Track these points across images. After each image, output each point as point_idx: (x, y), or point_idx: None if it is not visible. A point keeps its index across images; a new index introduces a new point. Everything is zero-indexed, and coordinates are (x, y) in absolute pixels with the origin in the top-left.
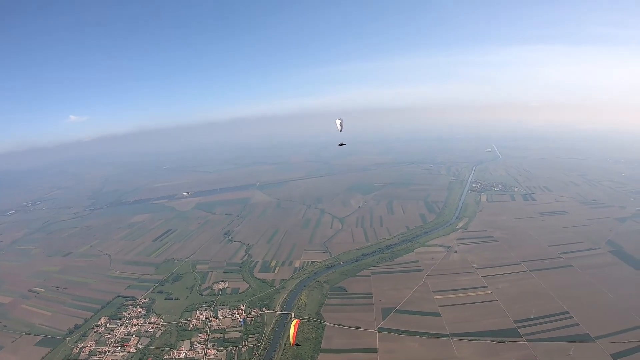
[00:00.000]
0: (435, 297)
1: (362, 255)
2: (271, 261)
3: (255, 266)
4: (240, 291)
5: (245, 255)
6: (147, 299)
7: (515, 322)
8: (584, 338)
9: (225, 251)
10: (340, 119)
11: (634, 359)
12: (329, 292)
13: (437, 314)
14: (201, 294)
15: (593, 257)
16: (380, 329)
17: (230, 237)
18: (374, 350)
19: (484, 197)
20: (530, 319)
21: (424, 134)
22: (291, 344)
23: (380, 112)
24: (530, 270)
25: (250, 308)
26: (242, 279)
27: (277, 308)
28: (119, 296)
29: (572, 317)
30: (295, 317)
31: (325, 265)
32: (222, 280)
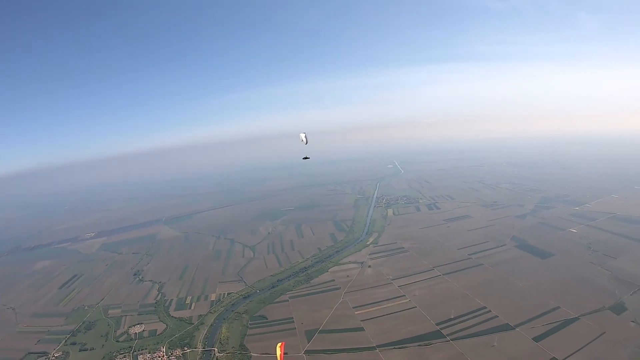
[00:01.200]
0: (356, 312)
1: (278, 280)
2: (186, 298)
3: (170, 305)
4: (158, 333)
5: (158, 294)
6: (60, 353)
7: (437, 324)
8: (505, 328)
9: (137, 292)
10: (304, 133)
11: (554, 339)
12: (249, 322)
13: (361, 329)
14: (117, 341)
15: (500, 254)
16: (307, 352)
17: (140, 277)
18: None
19: (390, 211)
20: (451, 320)
21: (325, 157)
22: None
23: (281, 138)
24: (443, 275)
25: (171, 349)
26: (158, 320)
27: (199, 345)
28: (29, 353)
29: (490, 311)
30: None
31: (241, 295)
32: (138, 324)
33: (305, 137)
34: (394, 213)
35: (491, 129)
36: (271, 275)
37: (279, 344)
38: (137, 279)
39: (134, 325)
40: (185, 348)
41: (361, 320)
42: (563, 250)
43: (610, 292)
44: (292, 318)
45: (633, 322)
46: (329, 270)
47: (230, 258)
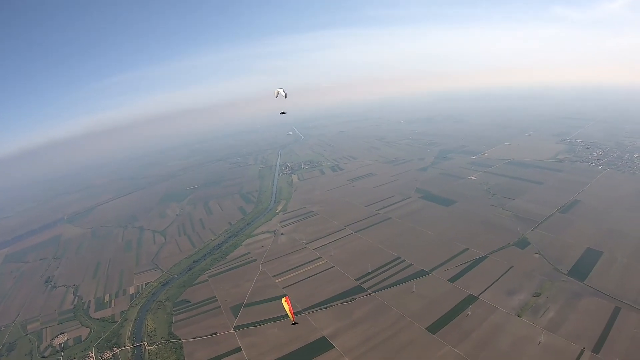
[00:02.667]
0: (276, 281)
1: (194, 262)
2: (104, 296)
3: (89, 307)
4: (83, 338)
5: (74, 298)
6: None
7: (357, 279)
8: (421, 274)
9: (53, 300)
10: (282, 88)
11: (467, 278)
12: (173, 309)
13: (284, 295)
14: (43, 356)
15: (407, 206)
16: (236, 328)
17: (52, 284)
18: (239, 349)
19: (295, 178)
20: (369, 273)
21: (224, 131)
22: (292, 320)
23: (176, 116)
24: (355, 232)
25: (100, 353)
26: (80, 325)
27: (128, 343)
28: None
29: (404, 260)
30: (285, 295)
31: (160, 283)
32: (61, 333)
33: (284, 91)
34: (299, 179)
35: (385, 90)
36: (186, 258)
37: (284, 298)
38: (50, 286)
39: (56, 336)
40: (115, 348)
41: (283, 288)
42: (465, 197)
43: (513, 230)
44: (215, 297)
45: (537, 254)
46: (243, 243)
47: (141, 247)
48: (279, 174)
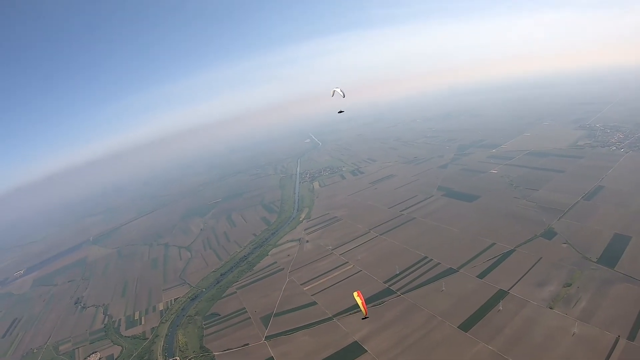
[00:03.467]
0: (304, 289)
1: (221, 275)
2: (134, 314)
3: (119, 325)
4: (115, 357)
5: (105, 317)
6: None
7: (385, 282)
8: (450, 272)
9: (83, 321)
10: (338, 88)
11: (496, 273)
12: (203, 323)
13: (314, 303)
14: None
15: (430, 205)
16: (267, 338)
17: (82, 304)
18: (271, 359)
19: (316, 184)
20: (397, 275)
21: (242, 143)
22: (365, 314)
23: (190, 133)
24: (380, 235)
25: None
26: (112, 344)
27: (160, 359)
28: None
29: (431, 259)
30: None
31: (189, 298)
32: (93, 353)
33: (341, 90)
34: (320, 185)
35: (395, 90)
36: (213, 271)
37: (356, 292)
38: (80, 307)
39: (89, 356)
40: None
41: (312, 295)
42: (488, 191)
43: (539, 221)
44: (245, 308)
45: (564, 243)
46: (269, 253)
47: (168, 263)
48: (299, 182)
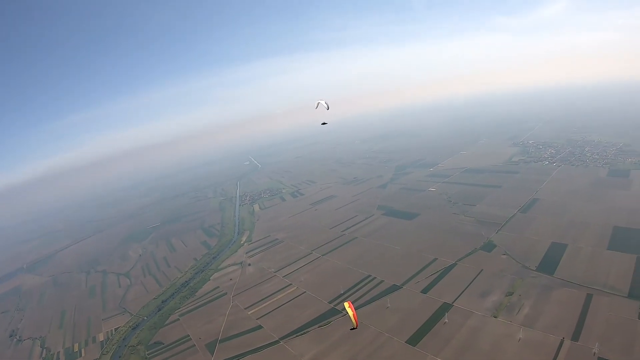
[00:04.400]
0: (249, 313)
1: (162, 302)
2: (73, 346)
3: (58, 358)
4: None
5: (42, 351)
6: None
7: (330, 302)
8: (394, 289)
9: (20, 355)
10: (323, 100)
11: (440, 287)
12: (147, 353)
13: (259, 327)
14: None
15: (371, 224)
16: None
17: (18, 337)
18: None
19: (257, 207)
20: (342, 295)
21: (182, 165)
22: (355, 325)
23: (133, 154)
24: (322, 255)
25: None
26: None
27: None
28: None
29: (375, 277)
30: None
31: (130, 326)
32: None
33: (326, 102)
34: (260, 208)
35: (338, 111)
36: (154, 298)
37: (346, 303)
38: (15, 339)
39: None
40: None
41: (257, 319)
42: (427, 208)
43: (478, 235)
44: (189, 335)
45: (504, 255)
46: (210, 278)
47: (107, 291)
48: (239, 205)
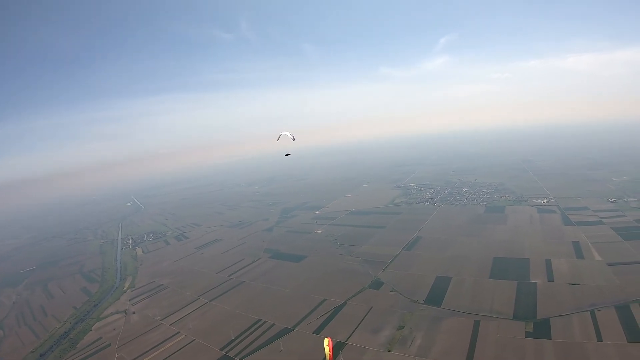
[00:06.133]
0: None
1: (40, 355)
2: None
3: None
4: None
5: None
6: None
7: (221, 349)
8: (286, 331)
9: None
10: (288, 132)
11: (332, 326)
12: None
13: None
14: None
15: (258, 267)
16: None
17: None
18: None
19: (139, 251)
20: (233, 341)
21: (56, 204)
22: None
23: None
24: (210, 301)
25: None
26: None
27: None
28: None
29: (265, 321)
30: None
31: None
32: None
33: (291, 134)
34: (143, 251)
35: (224, 154)
36: (31, 352)
37: (327, 342)
38: None
39: None
40: None
41: None
42: (314, 250)
43: (365, 274)
44: None
45: (392, 291)
46: (92, 328)
47: None
48: (121, 248)
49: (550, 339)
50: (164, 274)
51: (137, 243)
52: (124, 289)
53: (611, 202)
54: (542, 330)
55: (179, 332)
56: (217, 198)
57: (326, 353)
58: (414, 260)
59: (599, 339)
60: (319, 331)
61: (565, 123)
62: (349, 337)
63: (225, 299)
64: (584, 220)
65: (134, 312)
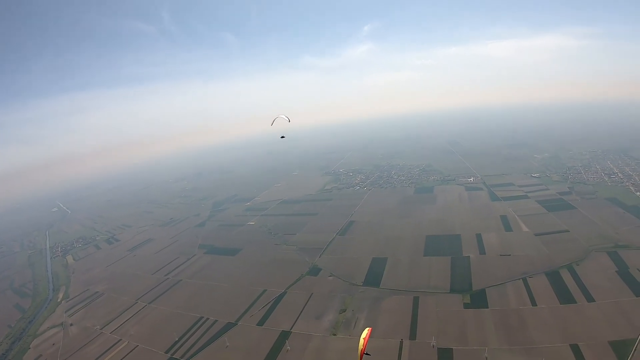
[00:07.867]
0: None
1: None
2: None
3: None
4: None
5: None
6: None
7: (167, 352)
8: (229, 326)
9: None
10: (283, 114)
11: (275, 317)
12: None
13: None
14: None
15: (194, 265)
16: None
17: None
18: None
19: (70, 258)
20: (177, 342)
21: None
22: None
23: None
24: (149, 304)
25: None
26: None
27: None
28: None
29: (208, 318)
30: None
31: None
32: None
33: (286, 116)
34: (74, 259)
35: (150, 150)
36: None
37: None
38: None
39: None
40: None
41: None
42: (249, 242)
43: (302, 261)
44: None
45: (330, 276)
46: (30, 346)
47: None
48: (51, 258)
49: (488, 307)
50: (97, 280)
51: (67, 250)
52: (58, 300)
53: (534, 177)
54: (479, 300)
55: (120, 340)
56: (145, 196)
57: (360, 345)
58: (348, 244)
59: (534, 304)
60: (263, 322)
61: (487, 107)
62: (293, 325)
63: (164, 300)
64: (510, 195)
65: (71, 324)
